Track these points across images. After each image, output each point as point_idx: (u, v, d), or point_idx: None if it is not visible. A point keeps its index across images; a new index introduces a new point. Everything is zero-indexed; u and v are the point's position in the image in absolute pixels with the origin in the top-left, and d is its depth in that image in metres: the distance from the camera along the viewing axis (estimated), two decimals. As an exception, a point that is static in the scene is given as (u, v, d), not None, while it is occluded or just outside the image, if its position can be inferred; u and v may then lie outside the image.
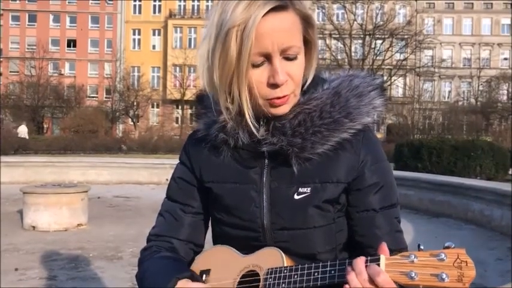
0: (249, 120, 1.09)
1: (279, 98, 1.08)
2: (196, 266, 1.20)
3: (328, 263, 1.02)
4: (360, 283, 0.93)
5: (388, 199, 1.17)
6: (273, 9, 1.02)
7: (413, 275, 0.89)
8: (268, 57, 1.05)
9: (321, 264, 1.03)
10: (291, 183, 1.14)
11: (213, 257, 1.20)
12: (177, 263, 1.18)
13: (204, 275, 1.17)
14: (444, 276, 0.87)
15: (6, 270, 4.87)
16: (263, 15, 1.01)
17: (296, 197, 1.13)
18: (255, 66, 1.05)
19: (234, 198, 1.17)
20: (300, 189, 1.13)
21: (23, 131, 27.38)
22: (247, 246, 1.15)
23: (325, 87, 1.17)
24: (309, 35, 1.11)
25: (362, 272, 0.93)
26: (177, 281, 1.07)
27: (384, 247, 0.96)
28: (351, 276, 0.94)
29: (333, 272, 1.00)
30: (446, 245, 0.91)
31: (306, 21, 1.09)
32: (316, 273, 1.02)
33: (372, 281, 0.92)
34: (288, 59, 1.06)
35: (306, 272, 1.03)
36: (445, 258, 0.89)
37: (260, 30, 1.01)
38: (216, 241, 1.24)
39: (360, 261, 0.95)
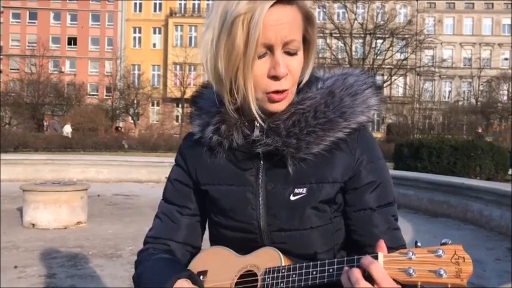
0: (253, 108, 1.08)
1: (278, 91, 1.07)
2: (193, 267, 1.19)
3: (326, 262, 1.01)
4: None
5: (385, 197, 1.16)
6: (279, 2, 1.03)
7: (411, 271, 0.89)
8: (270, 49, 1.05)
9: (319, 263, 1.02)
10: (287, 184, 1.13)
11: (209, 258, 1.19)
12: (175, 264, 1.18)
13: (202, 276, 1.16)
14: (442, 272, 0.87)
15: (6, 267, 4.87)
16: (270, 7, 1.01)
17: (292, 198, 1.12)
18: (258, 57, 1.05)
19: (230, 200, 1.16)
20: (296, 190, 1.12)
21: (67, 130, 27.92)
22: (244, 248, 1.14)
23: (319, 87, 1.16)
24: (308, 34, 1.11)
25: (359, 281, 0.91)
26: (176, 280, 1.06)
27: (382, 245, 0.95)
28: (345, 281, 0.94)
29: (331, 270, 0.99)
30: (443, 241, 0.91)
31: (308, 20, 1.09)
32: (314, 272, 1.01)
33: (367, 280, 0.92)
34: (289, 53, 1.06)
35: (304, 271, 1.02)
36: (442, 255, 0.89)
37: (265, 21, 1.02)
38: (213, 243, 1.24)
39: (357, 272, 0.93)
